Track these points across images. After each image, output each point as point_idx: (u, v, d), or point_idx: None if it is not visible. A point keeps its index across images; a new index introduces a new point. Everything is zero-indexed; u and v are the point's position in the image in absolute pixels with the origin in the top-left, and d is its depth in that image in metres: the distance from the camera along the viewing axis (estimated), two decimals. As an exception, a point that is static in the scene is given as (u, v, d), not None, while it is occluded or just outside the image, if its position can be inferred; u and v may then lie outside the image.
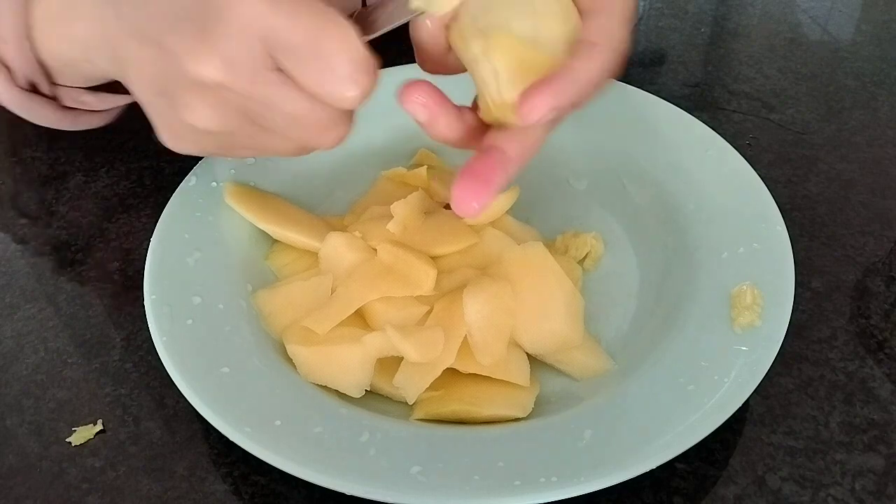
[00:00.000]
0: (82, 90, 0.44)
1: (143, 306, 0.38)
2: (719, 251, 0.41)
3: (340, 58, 0.30)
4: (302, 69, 0.30)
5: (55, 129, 0.45)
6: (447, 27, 0.33)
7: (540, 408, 0.37)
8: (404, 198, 0.44)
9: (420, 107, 0.33)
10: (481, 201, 0.32)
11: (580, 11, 0.33)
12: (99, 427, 0.38)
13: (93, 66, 0.39)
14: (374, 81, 0.31)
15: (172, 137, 0.35)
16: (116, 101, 0.45)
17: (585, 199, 0.49)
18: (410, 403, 0.37)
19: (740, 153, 0.46)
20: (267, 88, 0.31)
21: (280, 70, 0.31)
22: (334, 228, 0.44)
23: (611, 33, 0.33)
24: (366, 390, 0.38)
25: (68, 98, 0.44)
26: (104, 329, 0.42)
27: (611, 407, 0.36)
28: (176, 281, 0.40)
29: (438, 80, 0.34)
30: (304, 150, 0.35)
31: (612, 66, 0.33)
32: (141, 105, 0.35)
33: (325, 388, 0.37)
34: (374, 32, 0.34)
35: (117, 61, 0.35)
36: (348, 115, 0.33)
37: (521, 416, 0.37)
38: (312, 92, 0.31)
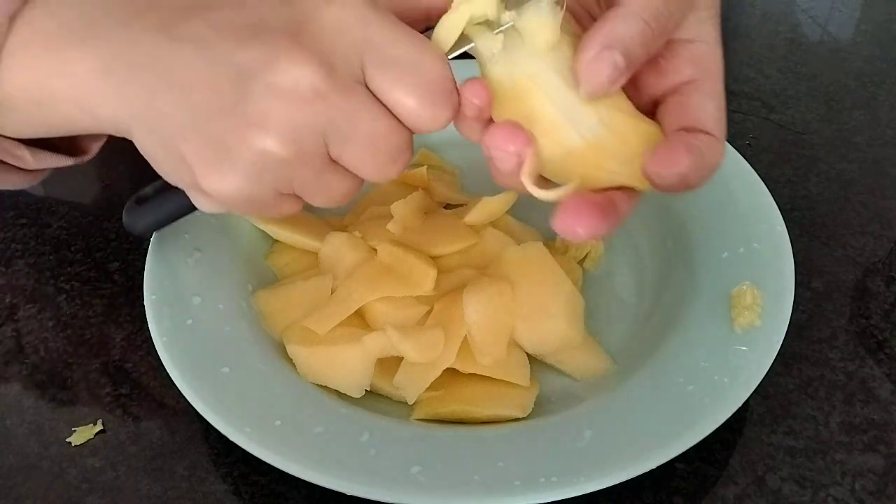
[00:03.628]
0: (19, 143, 0.33)
1: (143, 306, 0.38)
2: (719, 251, 0.41)
3: (440, 75, 0.29)
4: (399, 82, 0.29)
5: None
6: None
7: (540, 408, 0.37)
8: (404, 198, 0.44)
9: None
10: (591, 229, 0.29)
11: None
12: (99, 427, 0.38)
13: (79, 107, 0.30)
14: (458, 107, 0.30)
15: (231, 176, 0.29)
16: (56, 163, 0.35)
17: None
18: (410, 403, 0.37)
19: (740, 153, 0.46)
20: (358, 100, 0.29)
21: (364, 83, 0.29)
22: (334, 228, 0.44)
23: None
24: (366, 390, 0.38)
25: None
26: (104, 329, 0.42)
27: (611, 407, 0.36)
28: (176, 281, 0.40)
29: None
30: (355, 190, 0.32)
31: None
32: (152, 154, 0.30)
33: (325, 388, 0.37)
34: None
35: (135, 96, 0.29)
36: (412, 145, 0.31)
37: (521, 416, 0.37)
38: (404, 108, 0.29)
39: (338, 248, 0.42)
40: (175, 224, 0.42)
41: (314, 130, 0.29)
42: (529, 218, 0.47)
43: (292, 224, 0.43)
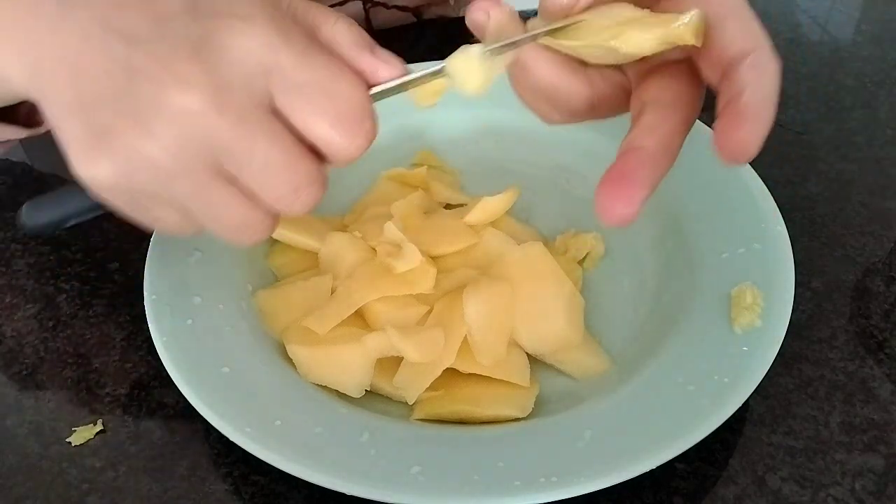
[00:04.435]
0: None
1: (143, 306, 0.38)
2: (719, 251, 0.41)
3: (352, 101, 0.29)
4: (305, 108, 0.28)
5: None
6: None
7: (540, 408, 0.37)
8: (404, 198, 0.44)
9: None
10: (630, 204, 0.29)
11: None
12: (99, 427, 0.38)
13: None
14: (373, 133, 0.30)
15: (103, 164, 0.28)
16: (9, 135, 0.36)
17: (585, 199, 0.48)
18: (410, 403, 0.37)
19: (740, 153, 0.46)
20: (257, 127, 0.28)
21: (275, 111, 0.28)
22: (334, 228, 0.44)
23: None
24: (366, 390, 0.38)
25: None
26: (104, 329, 0.42)
27: (611, 407, 0.36)
28: (176, 281, 0.40)
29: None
30: (256, 222, 0.30)
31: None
32: (57, 123, 0.29)
33: (325, 388, 0.37)
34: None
35: (44, 67, 0.28)
36: (324, 177, 0.30)
37: (521, 416, 0.37)
38: (312, 135, 0.29)
39: (338, 248, 0.42)
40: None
41: (200, 147, 0.28)
42: (529, 218, 0.47)
43: (292, 224, 0.43)
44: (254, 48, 0.28)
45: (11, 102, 0.34)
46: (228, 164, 0.28)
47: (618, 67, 0.32)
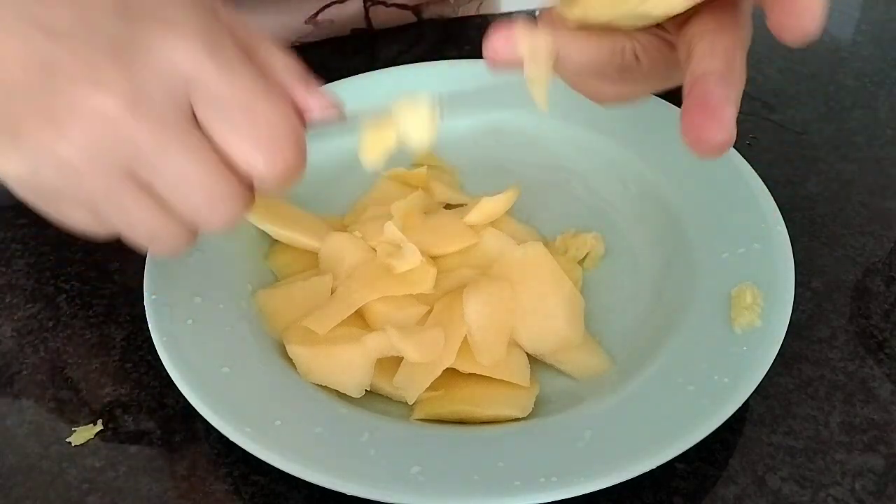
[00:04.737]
0: None
1: (143, 306, 0.38)
2: (719, 251, 0.41)
3: (274, 124, 0.28)
4: (224, 124, 0.28)
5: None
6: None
7: (540, 408, 0.37)
8: (404, 198, 0.44)
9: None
10: (722, 128, 0.27)
11: None
12: (99, 427, 0.38)
13: None
14: (298, 160, 0.29)
15: (11, 158, 0.27)
16: None
17: (585, 199, 0.49)
18: (410, 403, 0.37)
19: (740, 153, 0.46)
20: (173, 137, 0.27)
21: (195, 123, 0.28)
22: (334, 228, 0.44)
23: None
24: (366, 390, 0.38)
25: None
26: (104, 329, 0.42)
27: (611, 407, 0.36)
28: (176, 281, 0.40)
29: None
30: (173, 231, 0.30)
31: None
32: None
33: (325, 388, 0.37)
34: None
35: None
36: (247, 196, 0.30)
37: (521, 416, 0.37)
38: (232, 151, 0.28)
39: (338, 248, 0.42)
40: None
41: (112, 151, 0.27)
42: (529, 218, 0.47)
43: (292, 224, 0.43)
44: (178, 56, 0.27)
45: None
46: (142, 171, 0.28)
47: (656, 27, 0.31)
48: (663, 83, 0.33)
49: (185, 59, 0.27)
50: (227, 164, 0.29)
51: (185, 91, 0.28)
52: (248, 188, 0.30)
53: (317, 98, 0.31)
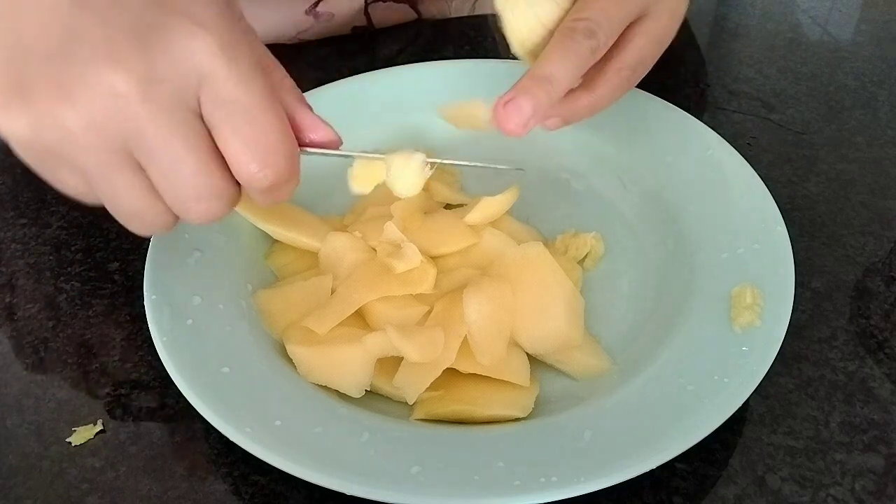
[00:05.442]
0: None
1: (143, 306, 0.38)
2: (719, 251, 0.41)
3: (271, 132, 0.29)
4: (226, 125, 0.29)
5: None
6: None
7: (540, 408, 0.37)
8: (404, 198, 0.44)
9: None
10: (521, 115, 0.35)
11: None
12: (99, 427, 0.38)
13: None
14: (290, 174, 0.30)
15: (18, 117, 0.28)
16: None
17: (585, 199, 0.49)
18: (410, 403, 0.37)
19: (740, 153, 0.46)
20: (175, 126, 0.28)
21: (199, 118, 0.29)
22: (334, 228, 0.44)
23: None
24: (366, 390, 0.38)
25: None
26: (104, 329, 0.42)
27: (611, 407, 0.36)
28: (176, 281, 0.40)
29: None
30: (155, 213, 0.31)
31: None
32: None
33: (325, 388, 0.37)
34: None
35: None
36: (232, 197, 0.31)
37: (521, 416, 0.37)
38: (226, 151, 0.29)
39: (338, 248, 0.42)
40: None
41: (114, 128, 0.28)
42: (529, 218, 0.47)
43: (292, 224, 0.43)
44: (197, 51, 0.28)
45: None
46: (139, 153, 0.29)
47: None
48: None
49: (204, 56, 0.28)
50: (221, 164, 0.30)
51: (196, 85, 0.29)
52: (235, 190, 0.31)
53: (318, 124, 0.33)
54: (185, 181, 0.29)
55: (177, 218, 0.31)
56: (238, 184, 0.31)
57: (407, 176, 0.34)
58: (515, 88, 0.36)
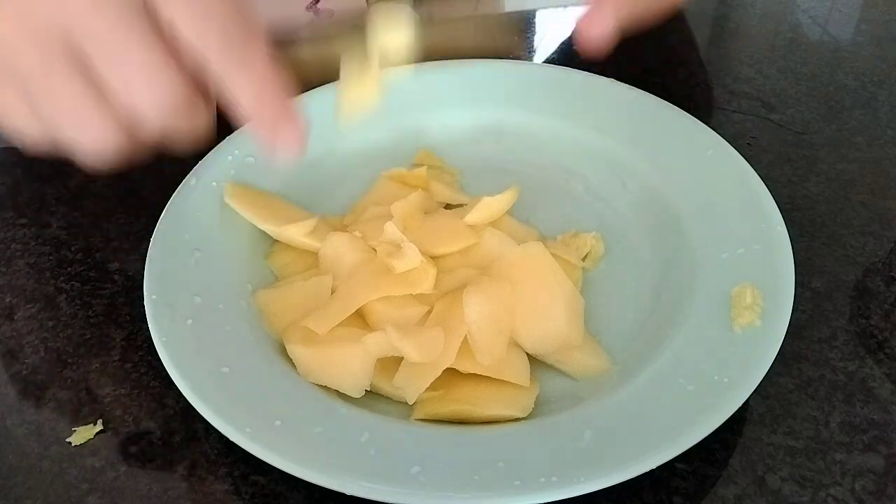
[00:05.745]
0: None
1: (143, 306, 0.38)
2: (719, 251, 0.41)
3: (224, 14, 0.27)
4: (187, 19, 0.27)
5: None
6: None
7: (540, 408, 0.37)
8: (404, 198, 0.44)
9: None
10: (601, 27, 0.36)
11: None
12: (99, 427, 0.38)
13: None
14: (255, 53, 0.28)
15: None
16: None
17: (585, 199, 0.49)
18: (410, 403, 0.37)
19: (740, 153, 0.46)
20: (120, 14, 0.26)
21: (155, 24, 0.27)
22: (334, 228, 0.44)
23: None
24: (366, 390, 0.38)
25: None
26: (104, 329, 0.42)
27: (611, 407, 0.36)
28: (176, 281, 0.40)
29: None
30: (95, 130, 0.28)
31: None
32: None
33: (325, 388, 0.37)
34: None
35: None
36: (185, 94, 0.28)
37: (521, 416, 0.37)
38: (176, 37, 0.27)
39: (338, 248, 0.42)
40: (175, 224, 0.42)
41: (50, 22, 0.26)
42: (529, 218, 0.47)
43: (292, 224, 0.43)
44: None
45: None
46: (82, 43, 0.27)
47: None
48: None
49: None
50: (174, 53, 0.28)
51: None
52: (190, 84, 0.28)
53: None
54: (130, 58, 0.27)
55: (129, 129, 0.29)
56: (194, 81, 0.28)
57: (396, 31, 0.33)
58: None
